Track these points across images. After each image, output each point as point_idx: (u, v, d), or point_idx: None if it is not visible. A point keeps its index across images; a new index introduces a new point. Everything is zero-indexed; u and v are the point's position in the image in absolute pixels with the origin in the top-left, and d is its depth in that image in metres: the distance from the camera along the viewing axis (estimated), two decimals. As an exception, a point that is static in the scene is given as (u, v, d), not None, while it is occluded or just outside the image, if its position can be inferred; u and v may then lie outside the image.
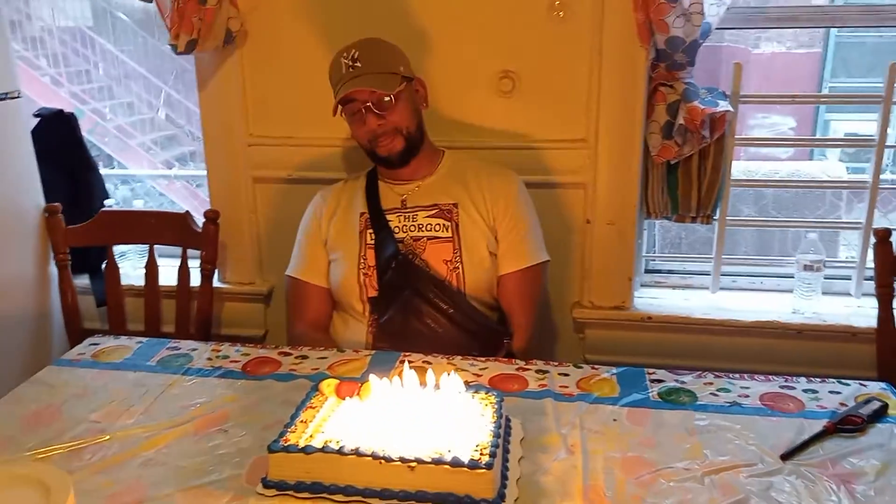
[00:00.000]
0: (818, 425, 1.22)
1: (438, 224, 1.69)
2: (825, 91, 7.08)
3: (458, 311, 1.66)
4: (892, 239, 1.75)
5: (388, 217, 1.71)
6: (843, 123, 6.47)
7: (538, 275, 1.75)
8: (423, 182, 1.75)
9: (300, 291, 1.78)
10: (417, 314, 1.66)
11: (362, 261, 1.69)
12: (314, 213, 1.81)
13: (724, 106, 1.87)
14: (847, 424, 1.22)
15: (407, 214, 1.71)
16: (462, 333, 1.66)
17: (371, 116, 1.63)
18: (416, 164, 1.74)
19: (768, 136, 5.74)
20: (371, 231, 1.71)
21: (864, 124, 5.69)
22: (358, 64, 1.62)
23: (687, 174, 1.98)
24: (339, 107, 1.65)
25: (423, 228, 1.70)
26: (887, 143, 1.98)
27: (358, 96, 1.62)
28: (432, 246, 1.68)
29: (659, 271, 2.29)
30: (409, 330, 1.65)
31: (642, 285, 2.23)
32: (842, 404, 1.30)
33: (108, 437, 1.22)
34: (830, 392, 1.35)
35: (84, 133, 2.42)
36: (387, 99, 1.62)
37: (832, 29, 6.46)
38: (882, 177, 2.01)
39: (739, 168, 2.09)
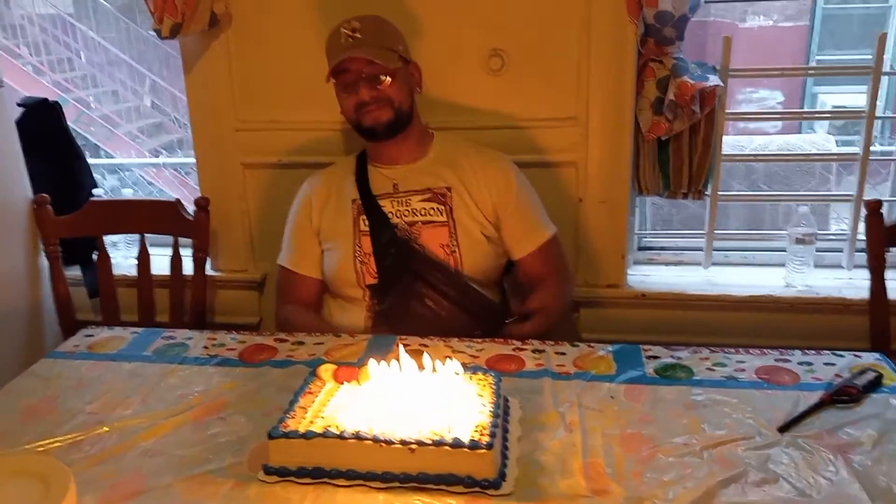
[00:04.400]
0: (814, 397, 1.23)
1: (433, 208, 1.68)
2: (812, 64, 7.08)
3: (460, 293, 1.66)
4: (882, 210, 1.76)
5: (381, 202, 1.69)
6: (832, 97, 6.47)
7: (556, 245, 1.76)
8: (413, 165, 1.73)
9: (290, 281, 1.77)
10: (419, 298, 1.65)
11: (357, 248, 1.68)
12: (303, 202, 1.78)
13: (713, 81, 1.87)
14: (843, 395, 1.22)
15: (400, 199, 1.70)
16: (464, 315, 1.66)
17: (364, 87, 1.61)
18: (405, 145, 1.72)
19: (757, 110, 5.74)
20: (364, 217, 1.69)
21: (852, 97, 5.69)
22: (358, 35, 1.61)
23: (678, 150, 1.98)
24: (332, 77, 1.64)
25: (418, 213, 1.68)
26: (877, 115, 1.98)
27: (353, 66, 1.61)
28: (428, 230, 1.67)
29: (651, 248, 2.29)
30: (410, 314, 1.65)
31: (635, 263, 2.23)
32: (837, 376, 1.31)
33: (106, 428, 1.22)
34: (825, 364, 1.36)
35: (69, 122, 2.40)
36: (383, 77, 1.61)
37: (819, 1, 6.46)
38: (871, 148, 2.01)
39: (729, 142, 2.09)
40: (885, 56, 1.92)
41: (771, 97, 6.51)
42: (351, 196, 1.72)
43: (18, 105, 2.27)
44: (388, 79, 1.62)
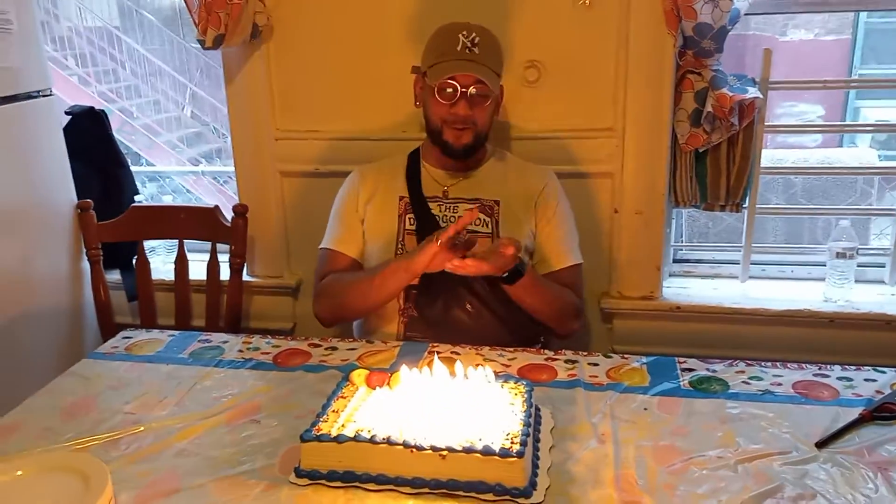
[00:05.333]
0: (854, 413, 1.20)
1: (479, 219, 1.67)
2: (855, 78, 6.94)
3: (499, 301, 1.64)
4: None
5: (429, 204, 1.69)
6: (874, 111, 6.33)
7: (578, 273, 1.72)
8: (466, 174, 1.73)
9: (330, 259, 1.73)
10: (461, 303, 1.65)
11: (401, 246, 1.68)
12: (352, 189, 1.77)
13: (753, 93, 1.85)
14: (883, 412, 1.20)
15: (448, 205, 1.69)
16: (501, 326, 1.66)
17: (463, 103, 1.60)
18: (466, 158, 1.71)
19: (797, 122, 5.65)
20: (412, 216, 1.69)
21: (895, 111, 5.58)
22: (476, 50, 1.59)
23: (715, 162, 1.96)
24: (427, 76, 1.62)
25: None
26: (922, 128, 1.95)
27: (462, 80, 1.59)
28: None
29: (687, 261, 2.27)
30: (448, 319, 1.64)
31: (671, 275, 2.21)
32: (878, 392, 1.28)
33: (142, 428, 1.24)
34: (866, 380, 1.33)
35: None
36: (486, 100, 1.61)
37: (861, 15, 6.34)
38: (916, 162, 1.97)
39: (768, 156, 2.06)
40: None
41: (811, 111, 6.39)
42: (399, 193, 1.72)
43: (66, 113, 2.33)
44: (488, 103, 1.63)
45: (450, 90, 1.59)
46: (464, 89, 1.59)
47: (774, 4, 1.95)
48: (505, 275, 1.52)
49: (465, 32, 1.59)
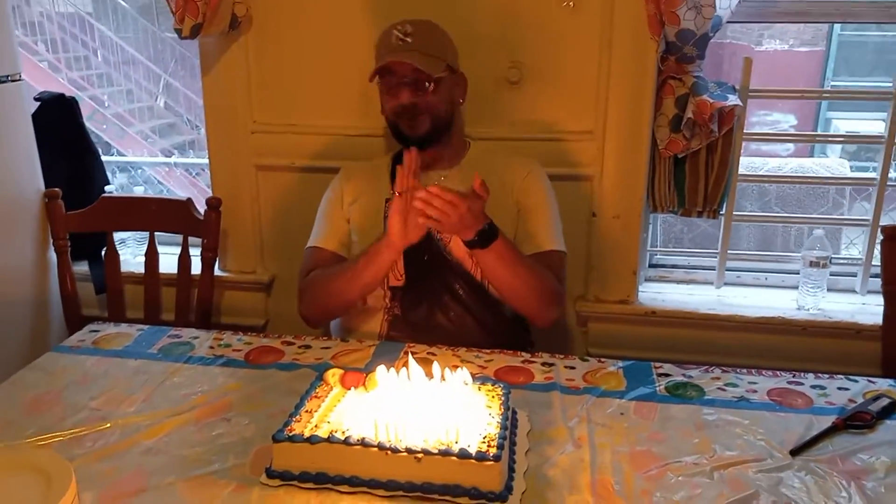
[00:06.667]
0: (827, 421, 1.21)
1: None
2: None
3: (482, 306, 1.63)
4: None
5: None
6: (845, 122, 6.44)
7: (560, 260, 1.66)
8: (447, 172, 1.70)
9: (315, 256, 1.69)
10: (444, 309, 1.63)
11: None
12: (337, 189, 1.75)
13: (733, 100, 1.86)
14: (856, 421, 1.21)
15: None
16: (484, 333, 1.64)
17: (406, 91, 1.59)
18: (441, 153, 1.69)
19: (774, 132, 5.72)
20: None
21: (866, 123, 5.68)
22: (409, 39, 1.59)
23: (694, 168, 1.97)
24: (377, 76, 1.62)
25: None
26: (896, 141, 1.97)
27: (399, 70, 1.59)
28: (457, 238, 1.61)
29: (663, 266, 2.28)
30: (431, 324, 1.62)
31: (646, 280, 2.22)
32: (850, 401, 1.29)
33: (108, 424, 1.21)
34: (839, 388, 1.34)
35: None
36: (427, 84, 1.59)
37: (836, 27, 6.45)
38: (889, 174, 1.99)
39: (742, 164, 2.08)
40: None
41: (784, 120, 6.50)
42: (384, 194, 1.69)
43: (35, 99, 2.27)
44: (431, 86, 1.61)
45: (391, 83, 1.60)
46: (402, 79, 1.59)
47: (755, 13, 1.96)
48: (476, 237, 1.46)
49: (398, 27, 1.61)
